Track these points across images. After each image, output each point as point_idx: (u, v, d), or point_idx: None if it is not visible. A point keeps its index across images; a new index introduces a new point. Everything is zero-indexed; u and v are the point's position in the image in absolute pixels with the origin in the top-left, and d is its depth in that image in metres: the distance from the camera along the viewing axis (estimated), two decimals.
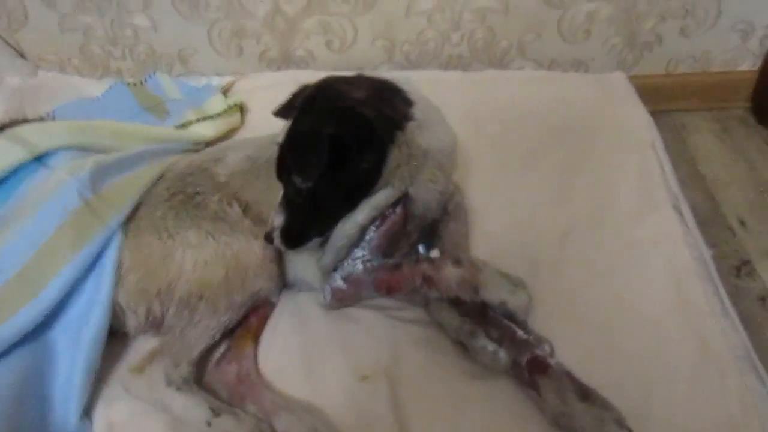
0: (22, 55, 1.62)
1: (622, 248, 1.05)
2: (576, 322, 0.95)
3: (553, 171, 1.21)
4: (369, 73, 0.96)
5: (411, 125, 0.89)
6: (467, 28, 1.51)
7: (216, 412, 0.83)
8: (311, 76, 1.48)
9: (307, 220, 0.91)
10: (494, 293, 0.91)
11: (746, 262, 1.34)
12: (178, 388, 0.86)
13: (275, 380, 0.91)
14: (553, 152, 1.25)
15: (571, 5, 1.45)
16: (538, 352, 0.85)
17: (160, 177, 1.05)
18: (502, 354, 0.86)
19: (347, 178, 0.87)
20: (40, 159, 0.98)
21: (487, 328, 0.89)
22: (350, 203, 0.90)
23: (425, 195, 0.94)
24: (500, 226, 1.12)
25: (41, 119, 1.30)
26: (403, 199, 0.91)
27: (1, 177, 0.94)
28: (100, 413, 0.88)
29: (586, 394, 0.79)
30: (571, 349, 0.88)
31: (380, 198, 0.90)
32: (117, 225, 0.94)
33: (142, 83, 1.53)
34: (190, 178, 1.03)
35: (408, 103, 0.90)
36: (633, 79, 1.44)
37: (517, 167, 1.23)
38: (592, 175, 1.20)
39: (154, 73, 1.53)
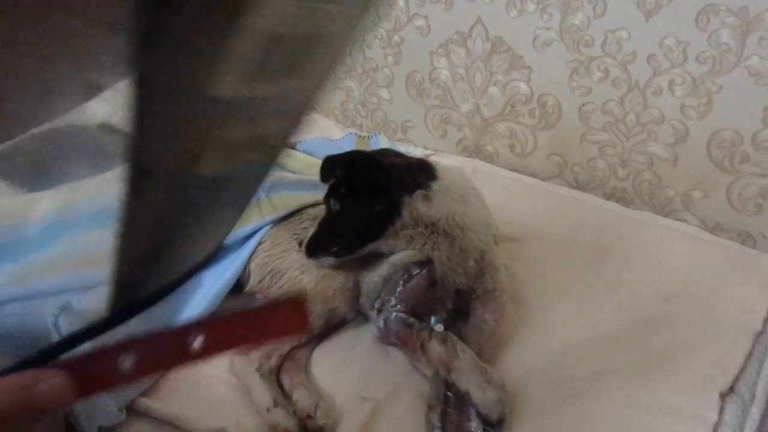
0: None
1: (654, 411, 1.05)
2: None
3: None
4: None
5: (418, 193, 1.04)
6: (634, 168, 1.58)
7: (276, 403, 1.01)
8: (488, 169, 1.77)
9: (326, 237, 1.12)
10: (462, 381, 0.93)
11: None
12: (262, 375, 1.05)
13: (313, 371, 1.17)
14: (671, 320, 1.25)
15: (744, 175, 1.41)
16: None
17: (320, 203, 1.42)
18: None
19: (363, 212, 1.06)
20: None
21: (451, 411, 0.94)
22: (362, 237, 1.09)
23: (444, 263, 1.05)
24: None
25: (291, 146, 1.82)
26: (430, 264, 1.06)
27: None
28: None
29: None
30: None
31: (400, 256, 1.09)
32: (271, 221, 1.32)
33: (367, 138, 1.98)
34: None
35: (431, 177, 1.06)
36: None
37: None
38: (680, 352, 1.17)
39: (379, 134, 1.97)
